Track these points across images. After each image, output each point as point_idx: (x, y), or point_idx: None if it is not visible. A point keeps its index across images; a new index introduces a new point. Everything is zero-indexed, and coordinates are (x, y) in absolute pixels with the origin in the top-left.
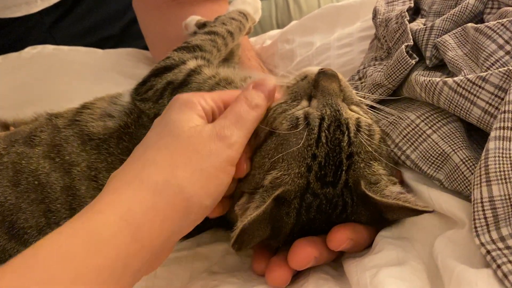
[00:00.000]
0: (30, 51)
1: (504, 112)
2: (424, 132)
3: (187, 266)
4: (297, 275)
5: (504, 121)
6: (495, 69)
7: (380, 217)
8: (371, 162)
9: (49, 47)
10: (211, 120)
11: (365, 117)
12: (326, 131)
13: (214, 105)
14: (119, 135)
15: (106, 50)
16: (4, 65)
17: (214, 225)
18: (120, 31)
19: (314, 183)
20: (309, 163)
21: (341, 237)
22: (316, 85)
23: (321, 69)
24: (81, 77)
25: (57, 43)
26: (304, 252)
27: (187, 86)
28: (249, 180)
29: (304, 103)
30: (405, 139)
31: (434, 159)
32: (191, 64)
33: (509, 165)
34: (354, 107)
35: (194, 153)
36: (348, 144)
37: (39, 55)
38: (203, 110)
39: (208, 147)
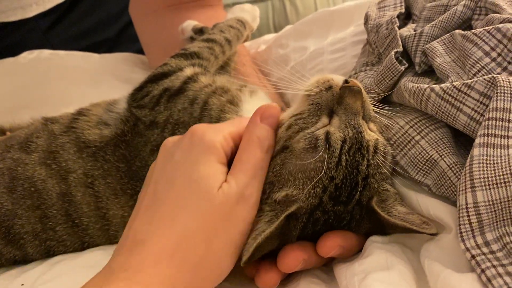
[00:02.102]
0: (27, 56)
1: (488, 119)
2: (413, 138)
3: None
4: (288, 279)
5: (488, 128)
6: (480, 76)
7: (380, 230)
8: (383, 182)
9: (46, 52)
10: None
11: (381, 138)
12: (346, 154)
13: (233, 145)
14: (115, 143)
15: (102, 55)
16: (0, 70)
17: None
18: (115, 35)
19: (327, 203)
20: (326, 184)
21: (331, 244)
22: (341, 101)
23: (347, 81)
24: (78, 82)
25: (53, 47)
26: (293, 255)
27: (183, 93)
28: None
29: (325, 119)
30: (394, 145)
31: (422, 165)
32: (188, 71)
33: (493, 172)
34: (371, 125)
35: (226, 222)
36: (366, 167)
37: (35, 59)
38: (225, 155)
39: (236, 214)
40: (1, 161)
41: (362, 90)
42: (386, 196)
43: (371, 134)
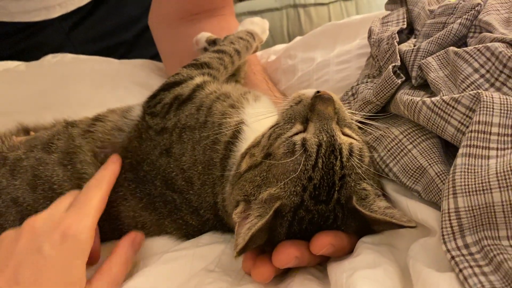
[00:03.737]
0: (51, 59)
1: (471, 131)
2: (406, 147)
3: (186, 265)
4: (285, 275)
5: (471, 140)
6: (469, 91)
7: (367, 228)
8: (360, 181)
9: (68, 56)
10: None
11: (357, 142)
12: (322, 156)
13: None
14: (123, 154)
15: (121, 60)
16: (26, 72)
17: (213, 228)
18: (133, 37)
19: (308, 201)
20: (305, 184)
21: (322, 242)
22: (313, 108)
23: (318, 92)
24: (98, 85)
25: (74, 46)
26: (286, 252)
27: (191, 100)
28: (238, 189)
29: (298, 126)
30: (389, 153)
31: (413, 172)
32: (198, 80)
33: (473, 180)
34: (346, 130)
35: None
36: (341, 168)
37: (59, 63)
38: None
39: None
40: (25, 159)
41: (334, 98)
42: (365, 194)
43: (345, 138)
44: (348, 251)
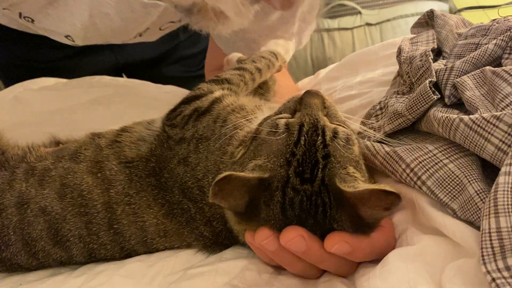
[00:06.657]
0: (89, 80)
1: None
2: (441, 160)
3: (210, 280)
4: None
5: None
6: (509, 110)
7: (360, 220)
8: (347, 165)
9: (106, 78)
10: None
11: (343, 128)
12: (305, 135)
13: None
14: (147, 158)
15: (158, 85)
16: (64, 91)
17: (226, 240)
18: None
19: (293, 178)
20: (289, 158)
21: (336, 237)
22: (301, 101)
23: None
24: (135, 106)
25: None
26: (294, 229)
27: (209, 112)
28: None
29: (286, 115)
30: (420, 164)
31: (451, 188)
32: (217, 93)
33: None
34: (336, 123)
35: None
36: (323, 146)
37: (96, 83)
38: None
39: None
40: (53, 169)
41: (325, 96)
42: (351, 179)
43: (329, 124)
44: (370, 255)
